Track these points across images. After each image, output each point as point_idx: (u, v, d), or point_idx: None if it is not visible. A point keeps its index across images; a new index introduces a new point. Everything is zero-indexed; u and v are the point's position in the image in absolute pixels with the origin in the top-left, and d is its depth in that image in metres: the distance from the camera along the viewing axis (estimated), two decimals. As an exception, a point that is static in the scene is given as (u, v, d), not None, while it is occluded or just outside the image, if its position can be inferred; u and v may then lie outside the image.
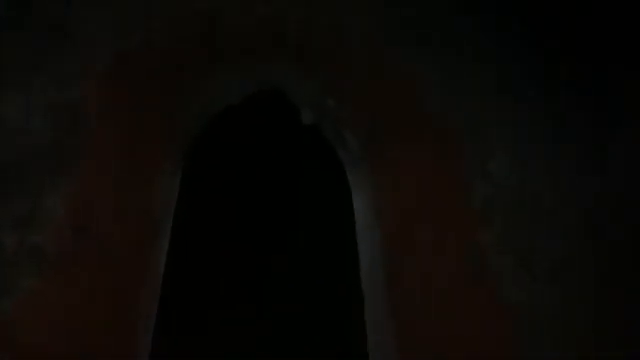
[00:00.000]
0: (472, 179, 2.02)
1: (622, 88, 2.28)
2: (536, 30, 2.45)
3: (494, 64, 2.31)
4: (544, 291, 1.84)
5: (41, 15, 2.10)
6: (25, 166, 1.76)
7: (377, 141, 2.18)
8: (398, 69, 2.22)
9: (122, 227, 1.83)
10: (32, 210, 1.68)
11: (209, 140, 2.17)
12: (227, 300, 2.56)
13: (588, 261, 1.93)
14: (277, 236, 2.29)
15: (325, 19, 2.26)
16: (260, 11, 2.20)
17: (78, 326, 1.60)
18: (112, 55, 2.03)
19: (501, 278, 1.84)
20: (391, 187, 2.06)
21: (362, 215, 2.23)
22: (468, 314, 1.77)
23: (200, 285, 2.57)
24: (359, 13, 2.30)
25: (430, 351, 1.72)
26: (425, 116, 2.14)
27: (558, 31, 2.46)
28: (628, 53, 2.33)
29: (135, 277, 1.85)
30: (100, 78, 1.97)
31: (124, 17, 2.14)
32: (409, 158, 2.10)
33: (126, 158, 1.94)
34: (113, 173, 1.87)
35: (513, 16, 2.48)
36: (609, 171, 2.12)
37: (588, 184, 2.09)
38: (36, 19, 2.09)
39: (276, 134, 2.25)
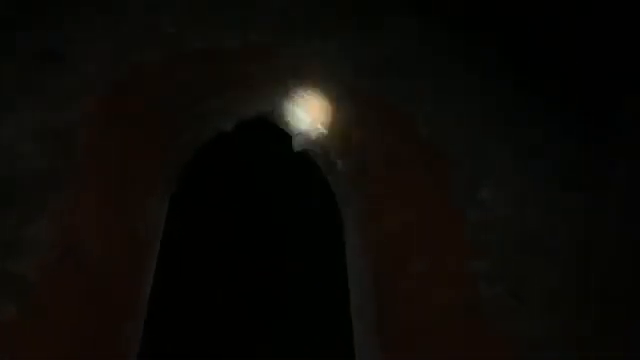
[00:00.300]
0: (464, 208, 2.03)
1: (615, 119, 2.32)
2: (524, 63, 2.51)
3: (481, 95, 2.36)
4: (538, 320, 1.82)
5: (37, 41, 2.13)
6: (12, 191, 1.74)
7: (368, 171, 2.20)
8: (385, 100, 2.27)
9: (109, 252, 1.79)
10: (16, 236, 1.64)
11: (200, 165, 2.17)
12: (214, 325, 2.52)
13: (581, 290, 1.92)
14: (266, 266, 2.26)
15: (314, 55, 2.34)
16: (254, 42, 2.29)
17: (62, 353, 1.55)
18: (107, 83, 2.05)
19: (495, 308, 1.82)
20: (383, 218, 2.06)
21: (353, 246, 2.22)
22: (462, 345, 1.73)
23: (187, 307, 2.53)
24: (346, 49, 2.39)
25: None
26: (415, 146, 2.17)
27: (545, 61, 2.51)
28: (620, 81, 2.38)
29: (121, 302, 1.81)
30: (93, 105, 1.98)
31: (122, 47, 2.18)
32: (400, 188, 2.11)
33: (114, 184, 1.92)
34: (100, 198, 1.85)
35: (498, 47, 2.53)
36: (602, 201, 2.13)
37: (580, 214, 2.09)
38: (32, 45, 2.11)
39: (267, 161, 2.26)
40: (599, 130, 2.30)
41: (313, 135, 2.31)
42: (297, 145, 2.30)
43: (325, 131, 2.27)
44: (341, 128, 2.26)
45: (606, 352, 1.79)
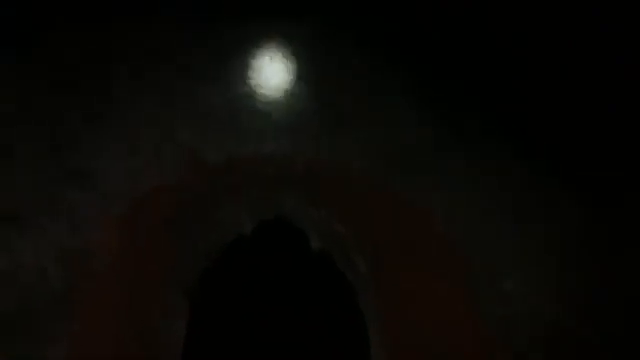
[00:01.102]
0: (486, 303, 2.03)
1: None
2: (539, 156, 2.63)
3: (498, 190, 2.45)
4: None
5: (62, 160, 2.27)
6: (29, 313, 1.80)
7: (387, 267, 2.22)
8: (402, 196, 2.36)
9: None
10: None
11: (218, 272, 2.22)
12: None
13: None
14: None
15: (329, 154, 2.51)
16: (270, 150, 2.48)
17: None
18: (125, 202, 2.17)
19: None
20: (404, 316, 2.07)
21: (375, 347, 2.14)
22: None
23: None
24: (361, 146, 2.55)
25: None
26: (433, 242, 2.21)
27: (561, 158, 2.63)
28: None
29: None
30: (112, 225, 2.08)
31: (139, 167, 2.32)
32: (419, 284, 2.14)
33: (133, 305, 1.97)
34: (119, 321, 1.90)
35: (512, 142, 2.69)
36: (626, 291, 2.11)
37: (603, 303, 2.07)
38: (56, 164, 2.26)
39: (284, 260, 2.34)
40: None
41: (330, 233, 2.37)
42: (314, 244, 2.36)
43: (342, 229, 2.34)
44: (358, 225, 2.33)
45: None
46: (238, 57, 3.10)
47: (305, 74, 3.03)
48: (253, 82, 2.93)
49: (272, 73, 3.03)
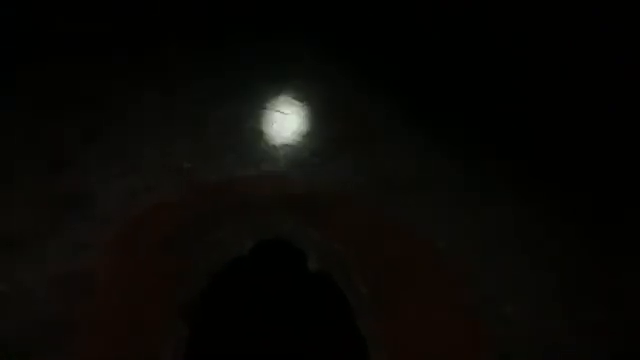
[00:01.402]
0: (486, 324, 2.03)
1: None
2: (535, 175, 2.65)
3: (495, 206, 2.47)
4: None
5: (60, 179, 2.28)
6: (32, 338, 1.80)
7: (387, 289, 2.21)
8: (402, 219, 2.37)
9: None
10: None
11: (217, 292, 2.23)
12: None
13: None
14: None
15: (329, 175, 2.52)
16: (268, 171, 2.50)
17: None
18: (124, 222, 2.17)
19: None
20: (405, 336, 2.06)
21: None
22: None
23: None
24: (361, 167, 2.57)
25: None
26: (434, 265, 2.22)
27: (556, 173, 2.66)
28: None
29: None
30: (111, 246, 2.08)
31: (139, 185, 2.33)
32: (420, 306, 2.14)
33: (130, 328, 1.95)
34: (116, 344, 1.89)
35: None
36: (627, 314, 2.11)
37: (607, 329, 2.07)
38: (55, 183, 2.26)
39: (284, 281, 2.35)
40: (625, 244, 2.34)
41: (330, 254, 2.36)
42: (313, 265, 2.36)
43: (342, 250, 2.34)
44: (358, 248, 2.34)
45: None
46: (239, 79, 3.12)
47: (305, 96, 3.06)
48: (254, 103, 2.95)
49: (272, 95, 3.05)
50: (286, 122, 2.89)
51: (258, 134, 2.76)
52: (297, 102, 3.02)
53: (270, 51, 3.36)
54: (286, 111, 2.96)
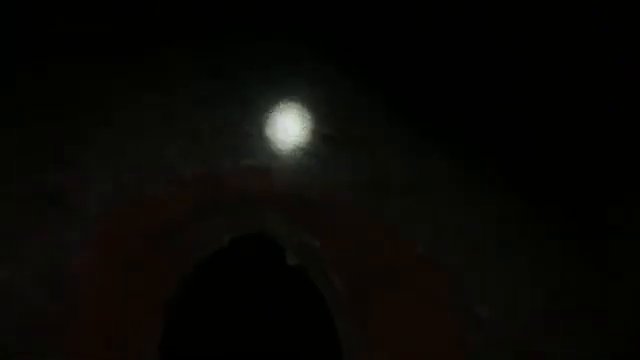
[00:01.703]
0: (464, 325, 2.07)
1: (615, 234, 2.38)
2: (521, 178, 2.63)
3: (479, 208, 2.48)
4: None
5: (37, 182, 2.26)
6: (10, 337, 1.81)
7: (364, 286, 2.24)
8: (384, 219, 2.40)
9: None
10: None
11: (197, 285, 2.24)
12: None
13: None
14: None
15: (310, 172, 2.54)
16: (251, 165, 2.52)
17: None
18: (106, 216, 2.19)
19: None
20: (381, 336, 2.10)
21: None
22: None
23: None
24: (344, 167, 2.58)
25: None
26: (414, 264, 2.24)
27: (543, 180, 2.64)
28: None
29: None
30: (94, 241, 2.10)
31: (122, 180, 2.34)
32: (398, 303, 2.17)
33: (114, 326, 1.97)
34: (100, 343, 1.90)
35: (491, 160, 2.72)
36: (608, 320, 2.12)
37: (586, 333, 2.09)
38: (32, 186, 2.24)
39: (262, 275, 2.36)
40: (605, 246, 2.35)
41: (309, 250, 2.39)
42: (291, 260, 2.37)
43: (321, 247, 2.37)
44: (338, 245, 2.37)
45: None
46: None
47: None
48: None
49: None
50: (269, 118, 2.91)
51: (241, 130, 2.77)
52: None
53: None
54: (270, 109, 2.96)
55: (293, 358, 2.19)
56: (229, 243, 2.38)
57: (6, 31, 2.87)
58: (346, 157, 2.68)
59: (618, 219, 2.51)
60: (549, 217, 2.51)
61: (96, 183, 2.32)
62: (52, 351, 1.81)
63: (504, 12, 3.51)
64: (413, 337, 2.06)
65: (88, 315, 1.94)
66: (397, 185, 2.56)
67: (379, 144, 2.80)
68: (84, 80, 2.81)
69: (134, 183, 2.36)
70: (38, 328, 1.84)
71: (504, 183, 2.65)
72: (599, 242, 2.41)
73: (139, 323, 2.02)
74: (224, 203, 2.43)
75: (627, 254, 2.35)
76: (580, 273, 2.29)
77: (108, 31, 3.13)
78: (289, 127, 2.84)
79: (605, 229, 2.46)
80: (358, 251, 2.33)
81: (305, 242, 2.39)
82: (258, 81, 3.10)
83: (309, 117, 2.93)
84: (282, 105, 2.99)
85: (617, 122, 3.05)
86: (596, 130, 3.02)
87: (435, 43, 3.65)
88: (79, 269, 2.02)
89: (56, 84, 2.74)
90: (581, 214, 2.52)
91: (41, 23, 3.02)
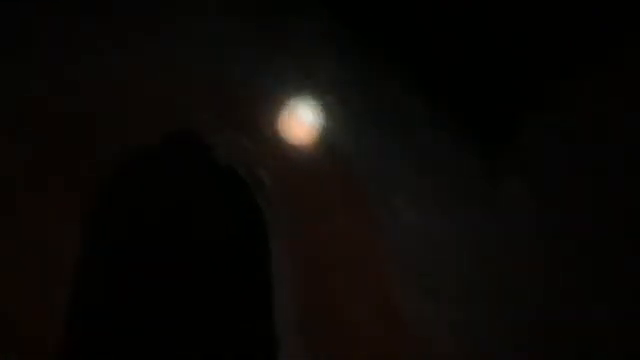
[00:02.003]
0: (380, 223, 2.22)
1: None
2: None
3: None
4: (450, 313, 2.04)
5: None
6: None
7: (290, 185, 2.29)
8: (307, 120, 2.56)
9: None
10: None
11: (120, 179, 2.23)
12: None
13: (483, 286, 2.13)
14: (184, 277, 2.24)
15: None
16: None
17: None
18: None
19: (414, 312, 1.93)
20: (305, 234, 2.14)
21: (276, 261, 2.28)
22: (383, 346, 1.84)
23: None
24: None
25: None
26: (332, 163, 2.28)
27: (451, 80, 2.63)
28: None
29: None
30: None
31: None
32: (323, 202, 2.19)
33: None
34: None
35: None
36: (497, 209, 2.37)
37: (478, 222, 2.33)
38: None
39: (193, 172, 2.35)
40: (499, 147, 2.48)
41: (238, 147, 2.40)
42: (220, 157, 2.38)
43: (250, 145, 2.38)
44: (264, 143, 2.37)
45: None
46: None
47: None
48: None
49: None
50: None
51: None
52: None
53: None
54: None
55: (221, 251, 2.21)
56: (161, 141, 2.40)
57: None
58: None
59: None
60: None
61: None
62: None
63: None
64: (334, 230, 2.24)
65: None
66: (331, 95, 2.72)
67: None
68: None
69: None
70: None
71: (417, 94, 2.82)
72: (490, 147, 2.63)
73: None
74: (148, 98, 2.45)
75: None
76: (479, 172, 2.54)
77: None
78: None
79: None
80: (284, 151, 2.48)
81: (235, 141, 2.48)
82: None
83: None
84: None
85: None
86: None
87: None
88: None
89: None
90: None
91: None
